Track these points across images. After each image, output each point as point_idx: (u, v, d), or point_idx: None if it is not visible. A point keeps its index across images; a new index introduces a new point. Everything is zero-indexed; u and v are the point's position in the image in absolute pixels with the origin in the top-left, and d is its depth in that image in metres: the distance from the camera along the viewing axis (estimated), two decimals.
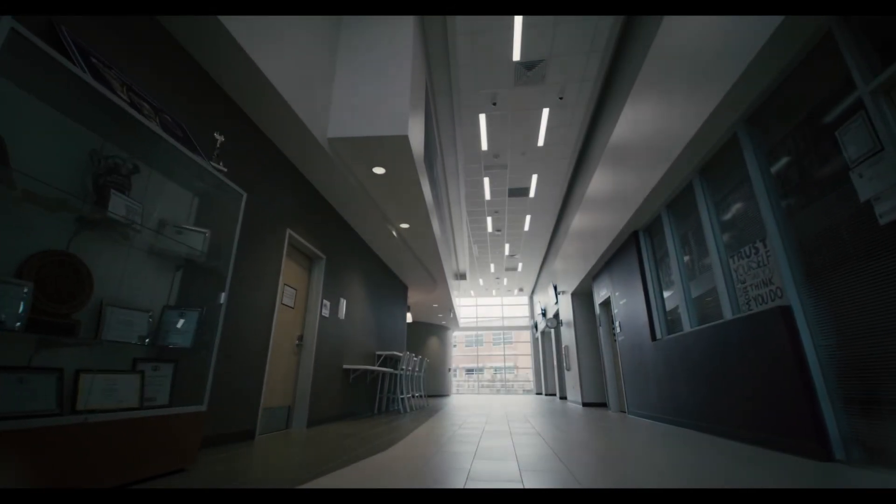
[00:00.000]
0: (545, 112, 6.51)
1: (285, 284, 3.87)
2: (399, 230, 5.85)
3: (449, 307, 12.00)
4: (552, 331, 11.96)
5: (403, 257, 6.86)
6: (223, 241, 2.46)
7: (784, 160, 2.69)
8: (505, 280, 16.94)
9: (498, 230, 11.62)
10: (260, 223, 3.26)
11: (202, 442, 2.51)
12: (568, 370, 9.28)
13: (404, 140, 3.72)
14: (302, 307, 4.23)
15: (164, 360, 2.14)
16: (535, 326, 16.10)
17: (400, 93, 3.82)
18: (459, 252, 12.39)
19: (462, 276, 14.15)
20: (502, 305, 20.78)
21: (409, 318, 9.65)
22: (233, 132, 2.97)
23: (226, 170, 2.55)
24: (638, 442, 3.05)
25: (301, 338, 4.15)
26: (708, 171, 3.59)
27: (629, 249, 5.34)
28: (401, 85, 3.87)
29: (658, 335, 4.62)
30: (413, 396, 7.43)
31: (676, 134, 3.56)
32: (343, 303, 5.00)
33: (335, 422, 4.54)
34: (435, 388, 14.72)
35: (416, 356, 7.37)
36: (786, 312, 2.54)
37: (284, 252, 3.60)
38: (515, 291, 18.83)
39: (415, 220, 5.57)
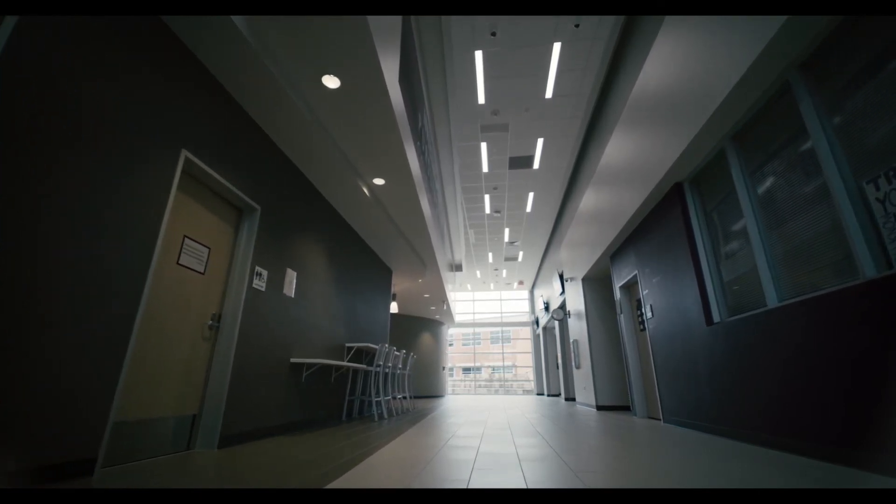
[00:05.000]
0: (556, 48, 5.28)
1: (187, 237, 2.64)
2: (372, 187, 4.61)
3: (442, 298, 10.77)
4: (556, 325, 10.76)
5: (382, 228, 5.62)
6: None
7: None
8: (504, 272, 15.73)
9: (497, 211, 10.41)
10: (112, 124, 2.02)
11: None
12: (577, 368, 8.07)
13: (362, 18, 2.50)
14: (221, 274, 2.99)
15: None
16: (537, 322, 14.90)
17: None
18: (454, 239, 11.18)
19: (457, 268, 12.93)
20: (501, 300, 19.58)
21: (393, 307, 8.42)
22: None
23: None
24: (741, 481, 1.82)
25: (218, 317, 2.92)
26: (814, 63, 2.38)
27: (667, 210, 4.12)
28: None
29: (716, 317, 3.41)
30: (394, 398, 6.20)
31: (754, 35, 2.37)
32: (292, 276, 3.76)
33: (274, 436, 3.31)
34: (428, 389, 13.50)
35: (397, 350, 6.13)
36: None
37: (175, 183, 2.37)
38: (515, 285, 17.63)
39: (392, 174, 4.33)
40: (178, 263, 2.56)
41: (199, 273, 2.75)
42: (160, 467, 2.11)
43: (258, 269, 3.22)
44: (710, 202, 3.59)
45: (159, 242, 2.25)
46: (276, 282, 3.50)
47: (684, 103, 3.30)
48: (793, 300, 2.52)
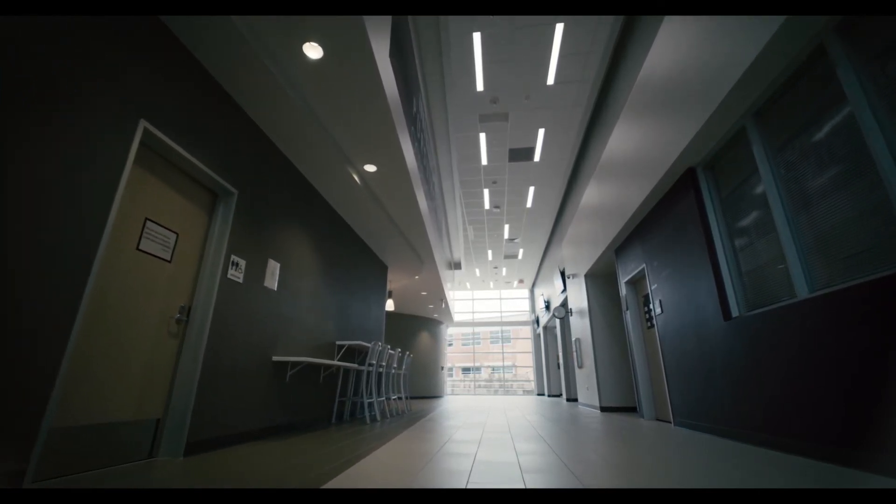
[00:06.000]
0: (558, 29, 5.01)
1: (149, 220, 2.36)
2: (363, 175, 4.34)
3: (440, 296, 10.49)
4: (557, 324, 10.48)
5: (376, 221, 5.34)
6: None
7: None
8: (504, 270, 15.46)
9: (496, 207, 10.13)
10: (55, 87, 1.74)
11: None
12: (580, 367, 7.80)
13: None
14: (191, 263, 2.71)
15: None
16: (537, 321, 14.63)
17: None
18: (453, 236, 10.92)
19: (456, 266, 12.67)
20: (500, 299, 19.31)
21: (389, 305, 8.14)
22: None
23: None
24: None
25: (187, 310, 2.64)
26: (854, 22, 2.11)
27: (678, 198, 3.85)
28: None
29: (734, 311, 3.14)
30: (389, 399, 5.93)
31: None
32: (275, 267, 3.49)
33: (251, 441, 3.04)
34: (426, 389, 13.22)
35: (392, 349, 5.86)
36: None
37: (131, 157, 2.09)
38: (515, 283, 17.36)
39: (384, 161, 4.06)
40: (138, 249, 2.28)
41: (165, 261, 2.48)
42: (109, 478, 1.83)
43: (235, 258, 2.94)
44: (727, 187, 3.32)
45: (110, 223, 1.97)
46: (256, 273, 3.23)
47: (699, 80, 3.03)
48: (821, 292, 2.24)
